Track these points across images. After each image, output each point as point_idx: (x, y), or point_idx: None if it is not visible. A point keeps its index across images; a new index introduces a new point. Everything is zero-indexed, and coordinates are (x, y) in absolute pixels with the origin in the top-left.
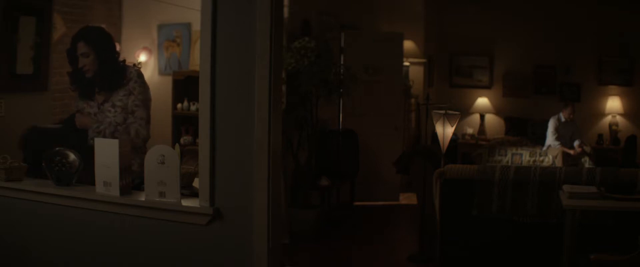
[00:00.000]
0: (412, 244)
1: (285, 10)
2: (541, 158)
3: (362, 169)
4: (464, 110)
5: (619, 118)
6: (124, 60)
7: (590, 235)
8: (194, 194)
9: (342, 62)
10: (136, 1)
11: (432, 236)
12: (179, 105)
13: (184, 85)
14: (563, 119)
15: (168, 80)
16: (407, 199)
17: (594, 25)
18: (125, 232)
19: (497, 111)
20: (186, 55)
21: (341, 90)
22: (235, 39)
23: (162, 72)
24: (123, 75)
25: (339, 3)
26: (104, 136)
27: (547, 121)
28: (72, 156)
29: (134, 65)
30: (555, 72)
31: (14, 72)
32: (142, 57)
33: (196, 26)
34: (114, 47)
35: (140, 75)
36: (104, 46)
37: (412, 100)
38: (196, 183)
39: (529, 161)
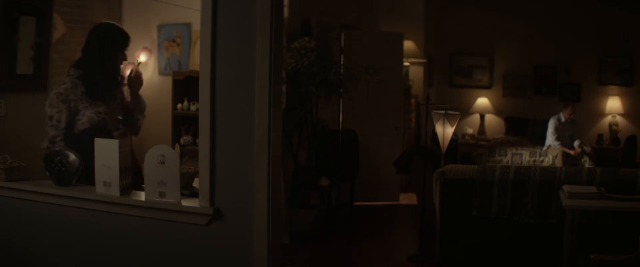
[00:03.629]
0: (412, 244)
1: (285, 10)
2: (541, 158)
3: (362, 169)
4: (464, 110)
5: (619, 118)
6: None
7: (590, 235)
8: (194, 194)
9: (342, 62)
10: (136, 1)
11: (432, 236)
12: (179, 105)
13: (184, 85)
14: (563, 119)
15: (168, 80)
16: (407, 199)
17: (594, 25)
18: (125, 232)
19: (497, 111)
20: (186, 55)
21: (341, 90)
22: (235, 39)
23: (162, 72)
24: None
25: (339, 3)
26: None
27: (547, 121)
28: (72, 156)
29: None
30: (555, 72)
31: (14, 72)
32: (142, 57)
33: (196, 26)
34: None
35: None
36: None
37: (412, 100)
38: (196, 183)
39: (529, 161)
